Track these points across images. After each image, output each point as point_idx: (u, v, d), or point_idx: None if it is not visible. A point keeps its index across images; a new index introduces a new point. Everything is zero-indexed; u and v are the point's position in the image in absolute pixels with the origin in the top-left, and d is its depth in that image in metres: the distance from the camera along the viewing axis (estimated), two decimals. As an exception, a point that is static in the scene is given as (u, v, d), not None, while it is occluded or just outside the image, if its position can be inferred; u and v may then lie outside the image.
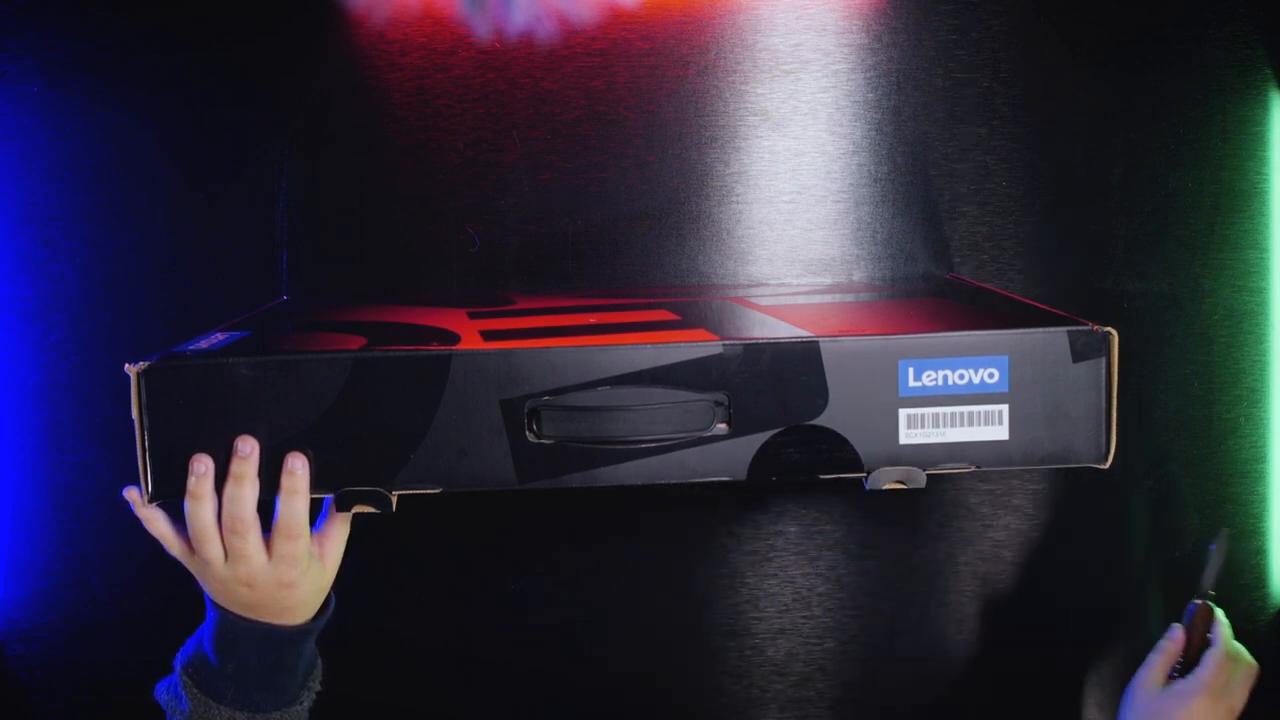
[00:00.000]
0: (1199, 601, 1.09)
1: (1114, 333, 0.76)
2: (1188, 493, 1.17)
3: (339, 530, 0.87)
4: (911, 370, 0.74)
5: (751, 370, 0.75)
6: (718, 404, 0.75)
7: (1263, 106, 1.13)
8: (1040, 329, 0.75)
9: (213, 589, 0.84)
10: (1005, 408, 0.74)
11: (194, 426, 0.76)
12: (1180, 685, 1.04)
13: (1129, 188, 1.14)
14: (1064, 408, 0.75)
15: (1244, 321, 1.16)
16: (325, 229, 1.12)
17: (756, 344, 0.75)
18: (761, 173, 1.12)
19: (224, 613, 0.85)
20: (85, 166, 1.10)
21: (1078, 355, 0.75)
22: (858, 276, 1.12)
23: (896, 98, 1.12)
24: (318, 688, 0.91)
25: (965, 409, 0.74)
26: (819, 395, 0.75)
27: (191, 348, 0.79)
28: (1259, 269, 1.15)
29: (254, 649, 0.85)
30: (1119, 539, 1.18)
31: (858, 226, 1.13)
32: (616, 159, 1.12)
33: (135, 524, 1.12)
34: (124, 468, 1.10)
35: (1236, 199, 1.14)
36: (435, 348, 0.77)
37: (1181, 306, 1.15)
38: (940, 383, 0.74)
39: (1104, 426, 0.76)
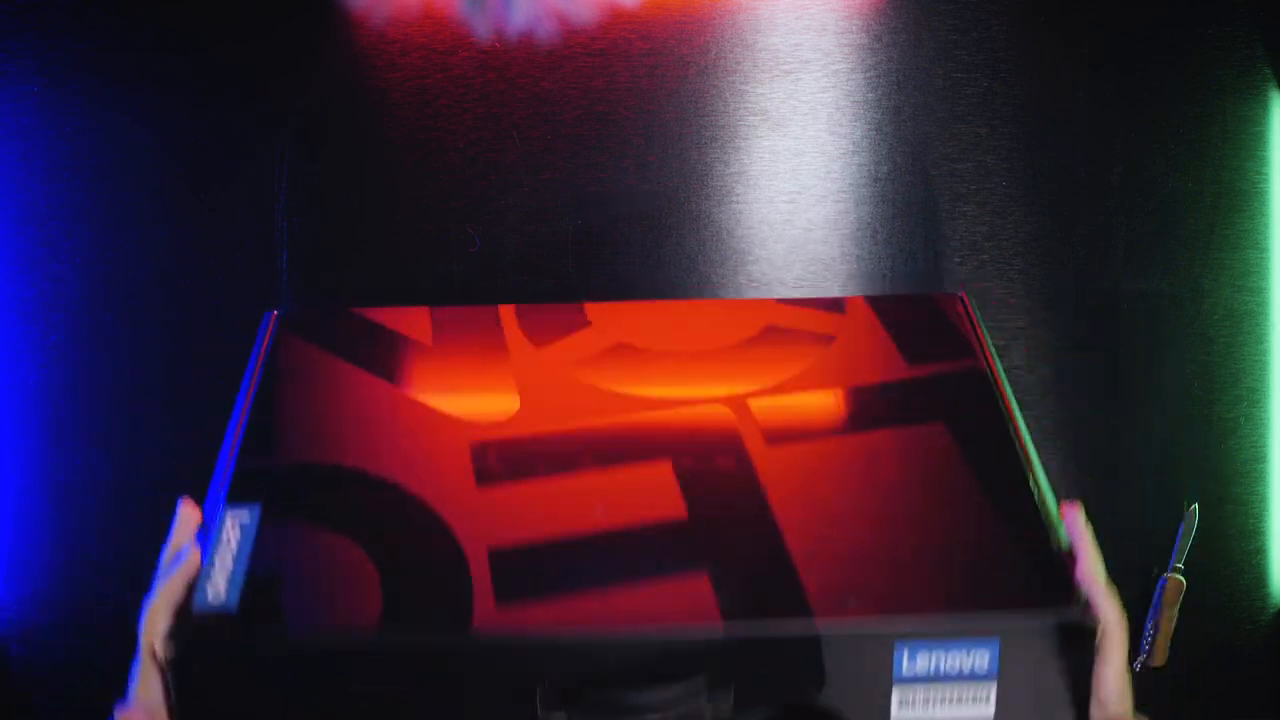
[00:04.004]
0: (1168, 575, 1.13)
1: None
2: (1186, 496, 1.17)
3: None
4: (907, 652, 0.74)
5: (751, 657, 0.75)
6: (714, 691, 0.75)
7: (1263, 106, 1.13)
8: (1033, 615, 0.75)
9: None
10: (993, 687, 0.75)
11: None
12: None
13: (1129, 188, 1.14)
14: (1051, 691, 0.76)
15: (1244, 321, 1.16)
16: (325, 229, 1.12)
17: (757, 639, 0.75)
18: (761, 173, 1.12)
19: None
20: (85, 166, 1.10)
21: (1065, 643, 0.76)
22: (856, 280, 1.12)
23: (896, 98, 1.12)
24: None
25: (955, 689, 0.75)
26: (815, 681, 0.75)
27: (211, 602, 0.72)
28: (1259, 269, 1.15)
29: None
30: (1120, 544, 1.18)
31: (858, 226, 1.13)
32: (616, 159, 1.12)
33: (135, 524, 1.13)
34: (124, 468, 1.10)
35: (1236, 199, 1.14)
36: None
37: (1181, 306, 1.15)
38: (933, 665, 0.75)
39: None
